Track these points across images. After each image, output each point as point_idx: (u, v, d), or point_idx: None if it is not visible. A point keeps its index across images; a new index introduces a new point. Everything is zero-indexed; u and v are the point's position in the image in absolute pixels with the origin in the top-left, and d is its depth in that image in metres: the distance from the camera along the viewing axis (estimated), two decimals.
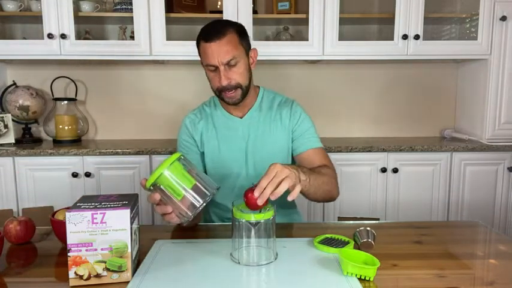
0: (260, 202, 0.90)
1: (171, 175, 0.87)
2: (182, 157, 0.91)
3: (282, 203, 1.37)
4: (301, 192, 1.07)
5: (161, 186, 0.88)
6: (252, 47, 1.30)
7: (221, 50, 1.19)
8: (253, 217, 0.90)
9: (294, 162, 1.37)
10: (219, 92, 1.25)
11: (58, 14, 2.12)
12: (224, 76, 1.21)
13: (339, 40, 2.21)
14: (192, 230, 1.19)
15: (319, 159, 1.29)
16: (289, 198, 0.94)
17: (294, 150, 1.34)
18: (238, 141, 1.32)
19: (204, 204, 0.88)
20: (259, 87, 1.39)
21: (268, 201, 0.92)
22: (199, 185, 0.88)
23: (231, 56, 1.20)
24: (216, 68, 1.21)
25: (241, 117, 1.34)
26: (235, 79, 1.22)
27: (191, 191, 0.88)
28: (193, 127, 1.35)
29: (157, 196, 0.90)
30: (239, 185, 1.32)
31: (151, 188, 0.89)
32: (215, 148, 1.33)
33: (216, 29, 1.21)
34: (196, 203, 0.88)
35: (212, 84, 1.27)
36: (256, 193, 0.90)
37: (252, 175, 1.32)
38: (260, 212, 0.92)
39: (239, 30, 1.25)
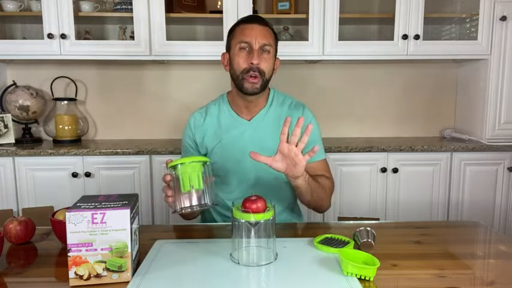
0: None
1: (189, 170, 0.94)
2: (208, 164, 0.98)
3: (287, 207, 1.38)
4: (298, 190, 1.15)
5: (177, 173, 0.95)
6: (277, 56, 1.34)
7: (261, 33, 1.23)
8: (253, 217, 0.90)
9: None
10: (243, 75, 1.24)
11: (58, 14, 2.12)
12: (257, 55, 1.22)
13: (339, 40, 2.21)
14: (192, 230, 1.19)
15: (320, 172, 1.31)
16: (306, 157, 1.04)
17: None
18: (244, 144, 1.31)
19: (196, 209, 0.96)
20: (270, 88, 1.39)
21: (266, 205, 0.93)
22: (204, 192, 0.95)
23: (268, 42, 1.24)
24: (250, 48, 1.23)
25: (249, 120, 1.33)
26: (263, 65, 1.24)
27: (194, 192, 0.94)
28: (196, 128, 1.35)
29: (168, 177, 0.99)
30: (242, 186, 1.32)
31: (170, 169, 0.97)
32: (219, 148, 1.32)
33: (260, 18, 1.28)
34: (192, 203, 0.94)
35: (238, 65, 1.24)
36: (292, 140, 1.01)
37: (255, 177, 1.31)
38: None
39: (275, 34, 1.30)
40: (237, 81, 1.26)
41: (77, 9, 2.20)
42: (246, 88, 1.24)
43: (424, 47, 2.23)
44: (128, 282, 0.84)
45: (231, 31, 1.29)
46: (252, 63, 1.22)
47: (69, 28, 2.13)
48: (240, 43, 1.23)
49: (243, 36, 1.23)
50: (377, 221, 1.34)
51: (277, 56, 1.33)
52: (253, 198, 0.93)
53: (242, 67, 1.24)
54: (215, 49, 2.17)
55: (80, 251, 0.82)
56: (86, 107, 2.52)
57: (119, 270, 0.84)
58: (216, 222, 1.38)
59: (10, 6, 2.19)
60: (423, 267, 0.91)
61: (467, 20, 2.36)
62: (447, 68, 2.58)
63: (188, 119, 1.39)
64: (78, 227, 0.81)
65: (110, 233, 0.82)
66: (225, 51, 1.34)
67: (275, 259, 0.93)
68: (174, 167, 0.95)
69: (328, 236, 1.05)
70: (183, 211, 0.95)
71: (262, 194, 0.96)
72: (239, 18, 2.08)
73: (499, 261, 0.97)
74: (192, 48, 2.21)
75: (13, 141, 2.25)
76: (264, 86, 1.27)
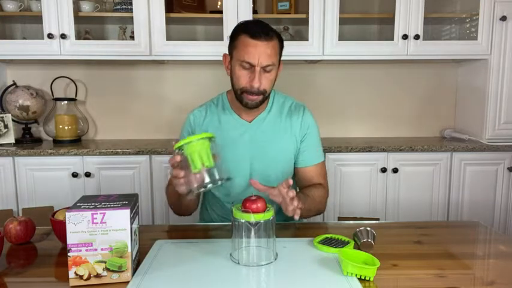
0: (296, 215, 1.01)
1: (197, 148, 0.92)
2: (214, 139, 0.96)
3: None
4: None
5: (185, 153, 0.93)
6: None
7: (265, 52, 1.17)
8: (253, 217, 0.90)
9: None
10: (242, 92, 1.22)
11: (58, 14, 2.12)
12: (258, 78, 1.18)
13: (339, 40, 2.21)
14: (192, 230, 1.19)
15: (317, 177, 1.32)
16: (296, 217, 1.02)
17: (296, 161, 1.35)
18: (244, 145, 1.30)
19: (211, 186, 0.93)
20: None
21: (266, 205, 0.93)
22: (215, 169, 0.93)
23: (271, 62, 1.19)
24: (251, 67, 1.19)
25: (249, 122, 1.32)
26: (264, 85, 1.21)
27: (206, 170, 0.92)
28: (196, 125, 1.34)
29: (178, 158, 0.95)
30: (241, 187, 1.31)
31: (177, 150, 0.94)
32: (219, 148, 1.32)
33: (265, 30, 1.19)
34: (205, 182, 0.92)
35: (238, 81, 1.22)
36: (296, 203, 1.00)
37: (254, 179, 1.31)
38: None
39: (281, 41, 1.25)
40: (237, 94, 1.25)
41: (77, 9, 2.20)
42: (245, 104, 1.24)
43: (424, 47, 2.23)
44: (128, 282, 0.84)
45: (234, 38, 1.23)
46: (252, 86, 1.19)
47: (69, 28, 2.13)
48: (242, 62, 1.19)
49: (245, 55, 1.17)
50: (377, 221, 1.34)
51: (280, 61, 1.29)
52: (253, 198, 0.93)
53: (242, 85, 1.21)
54: (215, 49, 2.18)
55: (80, 251, 0.82)
56: (86, 107, 2.52)
57: (119, 270, 0.84)
58: (214, 222, 1.38)
59: (10, 6, 2.19)
60: (423, 267, 0.92)
61: (467, 20, 2.36)
62: (447, 68, 2.58)
63: (187, 116, 1.37)
64: (78, 227, 0.81)
65: (110, 233, 0.82)
66: (226, 51, 1.30)
67: (275, 259, 0.93)
68: (181, 147, 0.93)
69: (328, 236, 1.05)
70: (200, 190, 0.92)
71: (261, 194, 0.96)
72: (239, 18, 2.11)
73: (499, 261, 0.97)
74: (192, 48, 2.21)
75: (13, 141, 2.25)
76: (264, 100, 1.26)
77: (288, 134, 1.32)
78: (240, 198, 0.97)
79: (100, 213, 0.82)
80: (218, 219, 1.38)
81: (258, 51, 1.16)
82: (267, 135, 1.31)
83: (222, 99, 1.37)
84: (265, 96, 1.24)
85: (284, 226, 1.21)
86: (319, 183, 1.32)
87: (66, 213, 0.81)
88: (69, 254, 0.81)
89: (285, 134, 1.32)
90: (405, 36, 2.20)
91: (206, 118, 1.34)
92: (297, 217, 1.02)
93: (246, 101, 1.23)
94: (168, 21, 2.20)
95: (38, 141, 2.38)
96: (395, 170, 2.17)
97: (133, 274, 0.86)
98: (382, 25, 2.46)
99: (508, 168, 2.21)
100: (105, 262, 0.83)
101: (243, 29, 1.20)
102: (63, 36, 2.13)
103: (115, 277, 0.84)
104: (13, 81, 2.37)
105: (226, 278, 0.85)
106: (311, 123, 1.35)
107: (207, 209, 1.41)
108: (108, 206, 0.84)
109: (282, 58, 1.35)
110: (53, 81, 2.43)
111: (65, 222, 0.82)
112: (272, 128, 1.32)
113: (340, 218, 1.75)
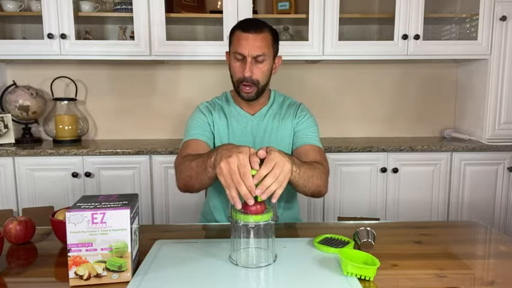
0: (264, 197, 0.87)
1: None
2: None
3: (285, 206, 1.39)
4: (290, 182, 1.03)
5: None
6: (278, 55, 1.36)
7: (255, 44, 1.25)
8: (252, 219, 0.89)
9: None
10: (238, 84, 1.31)
11: (58, 14, 2.12)
12: (249, 68, 1.26)
13: (339, 40, 2.21)
14: (192, 230, 1.19)
15: (313, 155, 1.27)
16: (273, 200, 0.90)
17: (293, 145, 1.37)
18: (247, 135, 1.36)
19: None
20: (270, 89, 1.44)
21: (265, 206, 0.91)
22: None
23: (261, 52, 1.26)
24: (244, 58, 1.27)
25: (252, 115, 1.39)
26: (257, 75, 1.28)
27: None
28: (207, 112, 1.39)
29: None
30: None
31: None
32: (225, 138, 1.37)
33: (256, 24, 1.28)
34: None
35: (234, 74, 1.31)
36: (258, 191, 0.86)
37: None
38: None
39: (274, 34, 1.32)
40: (235, 87, 1.34)
41: (77, 9, 2.20)
42: (242, 96, 1.32)
43: (424, 47, 2.23)
44: (128, 282, 0.84)
45: (230, 35, 1.33)
46: (244, 75, 1.27)
47: (69, 28, 2.13)
48: (235, 54, 1.28)
49: (237, 47, 1.26)
50: (377, 221, 1.34)
51: (278, 55, 1.35)
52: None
53: (237, 76, 1.30)
54: (215, 49, 2.18)
55: (80, 251, 0.82)
56: (86, 107, 2.52)
57: (119, 270, 0.84)
58: (217, 221, 1.38)
59: (10, 6, 2.19)
60: (423, 267, 0.91)
61: (467, 20, 2.36)
62: (447, 68, 2.58)
63: (197, 107, 1.42)
64: (78, 227, 0.81)
65: (110, 233, 0.82)
66: (227, 50, 1.38)
67: (274, 260, 0.93)
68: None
69: (328, 236, 1.05)
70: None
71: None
72: (239, 18, 2.11)
73: (499, 261, 0.97)
74: (192, 48, 2.21)
75: (13, 141, 2.25)
76: (260, 92, 1.33)
77: (287, 125, 1.38)
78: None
79: (100, 213, 0.81)
80: (219, 218, 1.38)
81: (249, 43, 1.25)
82: (268, 127, 1.38)
83: (226, 95, 1.45)
84: (259, 87, 1.30)
85: (284, 226, 1.21)
86: (316, 161, 1.24)
87: (66, 213, 0.81)
88: (69, 254, 0.81)
89: (285, 125, 1.38)
90: (405, 36, 2.20)
91: (214, 111, 1.40)
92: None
93: (242, 93, 1.31)
94: (168, 21, 2.20)
95: (38, 141, 2.38)
96: (395, 170, 2.17)
97: (133, 274, 0.86)
98: (382, 25, 2.47)
99: (508, 168, 2.21)
100: (105, 262, 0.83)
101: (236, 26, 1.30)
102: (63, 36, 2.13)
103: (115, 277, 0.84)
104: (13, 81, 2.37)
105: (226, 279, 0.85)
106: (307, 114, 1.41)
107: (209, 204, 1.41)
108: (108, 206, 0.84)
109: (283, 58, 1.38)
110: (53, 81, 2.43)
111: (65, 222, 0.82)
112: (272, 120, 1.39)
113: (340, 218, 1.75)
